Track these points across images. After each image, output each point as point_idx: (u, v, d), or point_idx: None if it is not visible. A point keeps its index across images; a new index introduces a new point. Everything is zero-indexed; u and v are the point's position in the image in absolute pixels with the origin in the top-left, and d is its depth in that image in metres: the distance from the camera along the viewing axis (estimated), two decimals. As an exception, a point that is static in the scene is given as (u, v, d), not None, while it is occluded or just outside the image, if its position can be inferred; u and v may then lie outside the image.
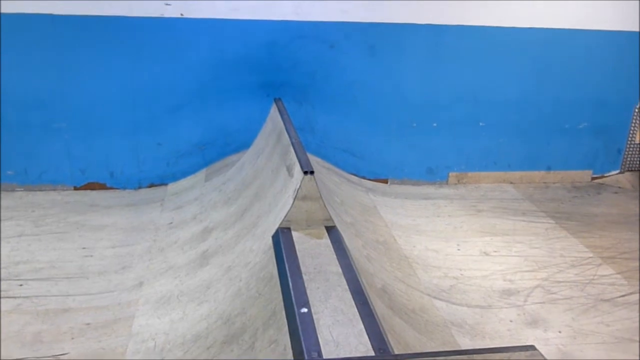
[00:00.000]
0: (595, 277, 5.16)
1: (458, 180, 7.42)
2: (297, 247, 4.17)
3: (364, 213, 6.05)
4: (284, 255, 4.03)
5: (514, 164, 7.50)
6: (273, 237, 4.36)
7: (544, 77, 7.15)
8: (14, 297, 4.44)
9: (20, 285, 4.62)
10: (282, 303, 3.54)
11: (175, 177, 6.80)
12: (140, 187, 6.76)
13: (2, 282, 4.62)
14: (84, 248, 5.28)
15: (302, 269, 3.84)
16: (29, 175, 6.52)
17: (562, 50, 7.05)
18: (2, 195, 6.32)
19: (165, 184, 6.78)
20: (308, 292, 3.55)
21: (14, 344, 3.90)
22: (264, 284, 3.98)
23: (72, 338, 4.00)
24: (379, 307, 3.68)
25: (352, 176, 7.10)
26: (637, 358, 4.11)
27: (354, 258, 4.18)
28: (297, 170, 4.66)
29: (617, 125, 7.59)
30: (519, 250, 5.62)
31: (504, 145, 7.37)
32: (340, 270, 3.86)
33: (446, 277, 5.07)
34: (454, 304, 4.67)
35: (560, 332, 4.38)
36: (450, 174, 7.39)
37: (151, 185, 6.79)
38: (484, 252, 5.57)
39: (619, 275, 5.19)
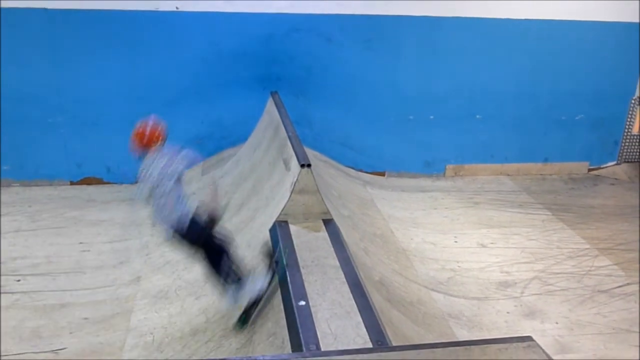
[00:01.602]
0: (592, 269, 5.17)
1: (455, 173, 7.42)
2: (294, 240, 4.17)
3: (362, 206, 6.05)
4: (282, 248, 4.03)
5: (511, 156, 7.50)
6: (270, 230, 4.36)
7: (541, 69, 7.14)
8: (12, 293, 4.43)
9: (18, 280, 4.61)
10: (280, 296, 3.55)
11: (172, 172, 6.77)
12: (137, 182, 6.73)
13: (-1, 278, 4.63)
14: (81, 243, 5.27)
15: (300, 262, 3.85)
16: (25, 170, 6.50)
17: (558, 42, 7.04)
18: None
19: (162, 179, 6.75)
20: (306, 285, 3.55)
21: (12, 339, 3.90)
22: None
23: (71, 333, 4.00)
24: (377, 300, 3.69)
25: (350, 169, 7.10)
26: (635, 348, 4.13)
27: (352, 251, 4.18)
28: (294, 163, 4.65)
29: (614, 116, 7.59)
30: (516, 242, 5.63)
31: (500, 137, 7.37)
32: (338, 263, 3.87)
33: (443, 270, 5.09)
34: (451, 296, 4.68)
35: (557, 323, 4.40)
36: (447, 166, 7.40)
37: (148, 180, 6.77)
38: (481, 244, 5.58)
39: (615, 267, 5.20)
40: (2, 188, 6.36)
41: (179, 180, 3.64)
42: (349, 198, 6.01)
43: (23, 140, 6.38)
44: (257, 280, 3.70)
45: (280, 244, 4.02)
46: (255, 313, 3.71)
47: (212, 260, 3.67)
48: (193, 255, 3.74)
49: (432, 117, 7.13)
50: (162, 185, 3.59)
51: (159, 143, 3.78)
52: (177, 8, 6.23)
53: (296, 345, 2.95)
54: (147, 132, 3.77)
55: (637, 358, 4.04)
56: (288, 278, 3.62)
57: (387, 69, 6.83)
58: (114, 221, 5.72)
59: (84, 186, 6.60)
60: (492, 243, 5.61)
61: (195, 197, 5.97)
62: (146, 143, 3.76)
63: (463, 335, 4.16)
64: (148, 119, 3.81)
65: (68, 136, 6.46)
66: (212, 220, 3.65)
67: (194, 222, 3.57)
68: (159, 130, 3.81)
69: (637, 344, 4.17)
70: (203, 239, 3.61)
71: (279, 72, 6.68)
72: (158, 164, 3.65)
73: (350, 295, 3.44)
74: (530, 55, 7.04)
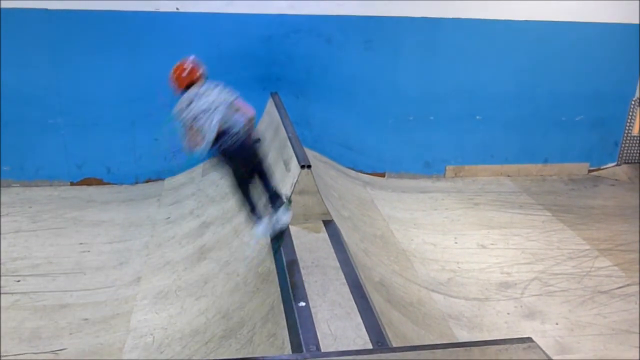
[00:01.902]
0: (592, 269, 5.18)
1: (455, 174, 7.43)
2: (295, 241, 4.17)
3: (362, 207, 6.05)
4: (282, 249, 4.03)
5: (511, 157, 7.50)
6: (270, 231, 4.36)
7: (541, 70, 7.15)
8: (12, 293, 4.43)
9: (18, 281, 4.61)
10: (280, 297, 3.55)
11: (172, 172, 6.78)
12: (137, 183, 6.75)
13: (-1, 279, 4.63)
14: (81, 244, 5.27)
15: (300, 263, 3.85)
16: (25, 171, 6.50)
17: (558, 43, 7.04)
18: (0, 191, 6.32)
19: (162, 179, 6.76)
20: (306, 286, 3.55)
21: (12, 340, 3.90)
22: (261, 278, 3.99)
23: (71, 333, 4.00)
24: (377, 301, 3.69)
25: (350, 170, 7.10)
26: (635, 349, 4.13)
27: (352, 252, 4.19)
28: (294, 164, 4.66)
29: (614, 117, 7.59)
30: (516, 243, 5.63)
31: (500, 138, 7.37)
32: (338, 264, 3.87)
33: (444, 270, 5.09)
34: (451, 296, 4.68)
35: (557, 324, 4.40)
36: (447, 167, 7.40)
37: (148, 181, 6.78)
38: (481, 245, 5.58)
39: (616, 267, 5.21)
40: (2, 189, 6.36)
41: (223, 109, 3.86)
42: (349, 199, 6.01)
43: (23, 141, 6.38)
44: (287, 213, 3.99)
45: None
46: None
47: (246, 183, 4.01)
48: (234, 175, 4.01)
49: (432, 117, 7.13)
50: (208, 113, 3.81)
51: (199, 80, 3.88)
52: (177, 9, 6.23)
53: (296, 346, 2.95)
54: (188, 67, 3.92)
55: (638, 359, 4.04)
56: (288, 279, 3.63)
57: (387, 69, 6.83)
58: (114, 222, 5.72)
59: (84, 187, 6.60)
60: (492, 244, 5.61)
61: (195, 197, 6.00)
62: (186, 77, 3.92)
63: (463, 336, 4.16)
64: (188, 57, 3.95)
65: (68, 137, 6.46)
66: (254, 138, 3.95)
67: (234, 135, 3.82)
68: (201, 69, 3.92)
69: (637, 344, 4.17)
70: (245, 153, 3.89)
71: (279, 72, 6.68)
72: (206, 97, 3.86)
73: (351, 296, 3.45)
74: (530, 56, 7.05)
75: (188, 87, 3.92)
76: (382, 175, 7.28)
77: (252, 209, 4.07)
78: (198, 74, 3.97)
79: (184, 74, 3.91)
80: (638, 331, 4.31)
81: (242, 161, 3.91)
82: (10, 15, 5.95)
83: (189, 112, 3.82)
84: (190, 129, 3.85)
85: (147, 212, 5.94)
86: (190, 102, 3.84)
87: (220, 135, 3.80)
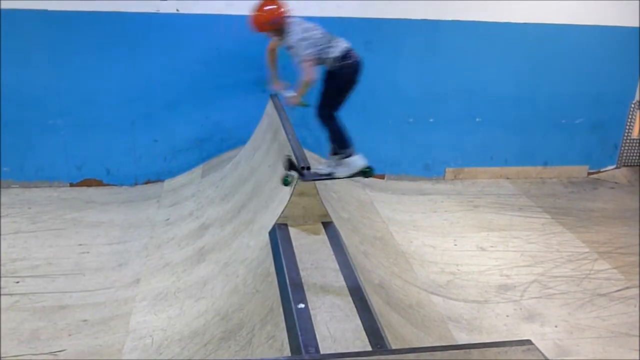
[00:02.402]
0: (592, 272, 5.18)
1: (455, 176, 7.42)
2: (294, 243, 4.17)
3: (361, 209, 6.05)
4: (281, 251, 4.03)
5: (511, 159, 7.50)
6: (270, 233, 4.36)
7: (540, 73, 7.15)
8: (11, 294, 4.43)
9: (17, 282, 4.61)
10: (279, 299, 3.55)
11: (171, 174, 6.78)
12: (136, 184, 6.75)
13: (-2, 279, 4.62)
14: (80, 245, 5.26)
15: (299, 265, 3.85)
16: (24, 172, 6.49)
17: (558, 46, 7.05)
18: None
19: (162, 180, 6.76)
20: (305, 288, 3.55)
21: (11, 341, 3.89)
22: (261, 280, 3.98)
23: (69, 335, 3.99)
24: (376, 303, 3.69)
25: (349, 172, 7.08)
26: (635, 351, 4.13)
27: (351, 254, 4.19)
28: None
29: (613, 120, 7.59)
30: (515, 246, 5.63)
31: (500, 140, 7.37)
32: (337, 266, 3.87)
33: (443, 273, 5.08)
34: (450, 299, 4.68)
35: (556, 326, 4.40)
36: (446, 169, 7.39)
37: (148, 182, 6.77)
38: (481, 248, 5.58)
39: (615, 270, 5.21)
40: (2, 189, 6.36)
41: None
42: (348, 201, 6.01)
43: (23, 141, 6.38)
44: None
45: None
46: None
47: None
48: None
49: (431, 119, 7.13)
50: (328, 38, 4.32)
51: (282, 16, 4.37)
52: (177, 10, 6.23)
53: (295, 348, 2.95)
54: (275, 5, 4.34)
55: (637, 362, 4.04)
56: (287, 281, 3.63)
57: (387, 71, 6.83)
58: (113, 223, 5.71)
59: (84, 188, 6.60)
60: (491, 246, 5.61)
61: (194, 199, 5.99)
62: (281, 14, 4.36)
63: (462, 338, 4.16)
64: None
65: (68, 138, 6.46)
66: None
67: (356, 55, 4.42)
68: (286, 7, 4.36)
69: (637, 347, 4.17)
70: (357, 75, 4.52)
71: (279, 74, 6.67)
72: (315, 28, 4.38)
73: (350, 298, 3.45)
74: (529, 58, 7.05)
75: (270, 18, 4.36)
76: (382, 177, 7.28)
77: (346, 140, 4.47)
78: (281, 10, 4.43)
79: (269, 7, 4.34)
80: (638, 334, 4.31)
81: (353, 79, 4.44)
82: (10, 16, 5.95)
83: (308, 41, 4.26)
84: (307, 61, 4.23)
85: (147, 213, 5.93)
86: (304, 33, 4.30)
87: (345, 55, 4.32)
